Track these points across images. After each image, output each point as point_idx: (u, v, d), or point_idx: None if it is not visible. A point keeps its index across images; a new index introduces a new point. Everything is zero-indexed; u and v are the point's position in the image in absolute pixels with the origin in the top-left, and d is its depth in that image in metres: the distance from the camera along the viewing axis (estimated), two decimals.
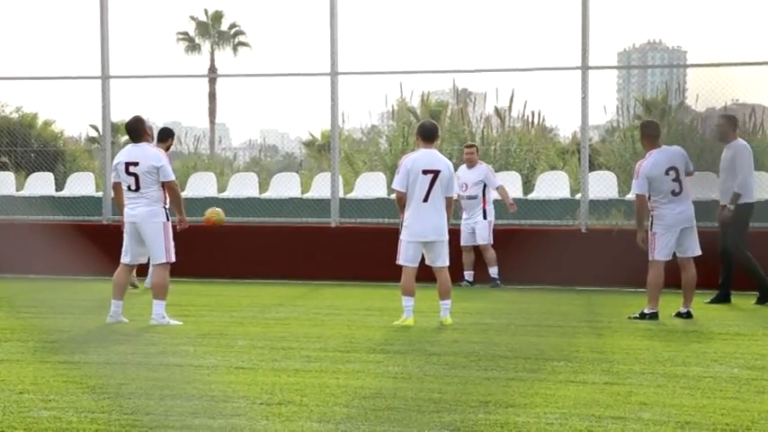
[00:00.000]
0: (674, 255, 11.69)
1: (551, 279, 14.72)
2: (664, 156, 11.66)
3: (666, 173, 11.55)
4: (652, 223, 11.64)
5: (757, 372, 8.13)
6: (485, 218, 15.20)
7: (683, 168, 11.65)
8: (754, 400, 6.96)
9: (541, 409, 6.58)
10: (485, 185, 15.30)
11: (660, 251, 11.57)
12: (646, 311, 11.58)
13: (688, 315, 11.64)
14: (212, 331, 10.34)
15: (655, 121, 12.48)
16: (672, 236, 11.58)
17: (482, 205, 15.24)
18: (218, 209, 12.91)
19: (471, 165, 15.45)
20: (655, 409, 6.61)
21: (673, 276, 11.73)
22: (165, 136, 13.76)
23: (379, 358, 8.61)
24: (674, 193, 11.57)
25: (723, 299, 13.07)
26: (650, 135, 11.83)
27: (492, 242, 15.14)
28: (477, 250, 15.25)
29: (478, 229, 15.15)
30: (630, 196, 18.63)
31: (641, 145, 12.05)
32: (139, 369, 8.04)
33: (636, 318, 11.53)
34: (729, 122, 13.15)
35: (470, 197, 15.19)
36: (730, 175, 12.83)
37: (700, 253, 11.71)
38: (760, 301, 13.04)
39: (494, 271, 15.11)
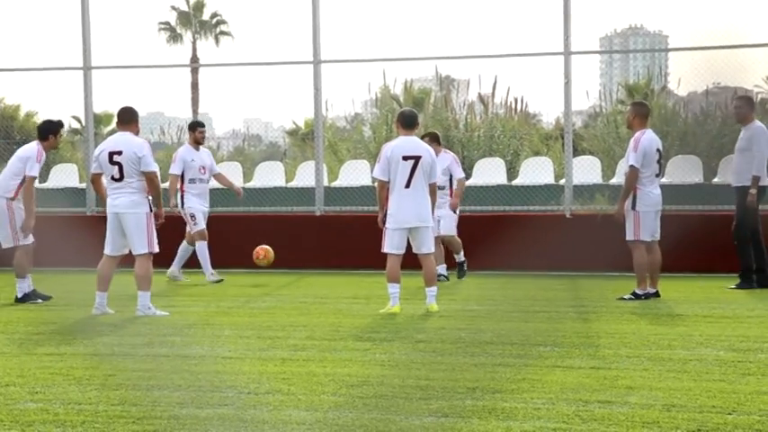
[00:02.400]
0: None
1: (536, 264, 14.74)
2: (654, 136, 11.95)
3: (655, 152, 11.73)
4: (635, 202, 11.70)
5: (742, 354, 8.16)
6: (454, 210, 14.31)
7: (661, 153, 11.87)
8: (740, 382, 6.99)
9: (528, 395, 6.60)
10: (451, 175, 14.33)
11: (645, 232, 11.67)
12: (639, 292, 11.66)
13: (657, 294, 11.85)
14: (198, 321, 10.33)
15: (646, 102, 12.66)
16: (653, 216, 11.71)
17: (449, 196, 14.26)
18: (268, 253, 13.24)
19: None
20: (641, 393, 6.63)
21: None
22: (46, 133, 12.33)
23: (365, 346, 8.62)
24: (656, 175, 11.76)
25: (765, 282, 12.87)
26: (644, 114, 12.02)
27: (456, 234, 14.35)
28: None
29: (444, 221, 14.08)
30: (615, 180, 18.69)
31: (630, 125, 11.99)
32: (126, 360, 8.04)
33: (629, 299, 11.61)
34: (748, 104, 13.15)
35: (439, 188, 14.18)
36: (747, 157, 12.77)
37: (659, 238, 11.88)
38: (741, 286, 12.92)
39: (459, 256, 14.50)
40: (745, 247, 12.91)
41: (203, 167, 14.51)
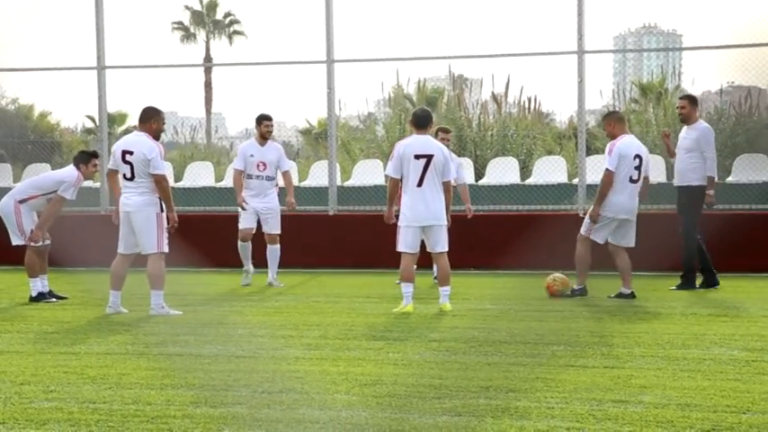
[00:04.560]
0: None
1: (550, 264, 14.69)
2: (635, 141, 12.12)
3: (634, 157, 11.79)
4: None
5: (757, 353, 8.14)
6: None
7: (645, 160, 11.98)
8: (755, 382, 6.98)
9: (542, 394, 6.59)
10: None
11: (595, 234, 11.93)
12: (575, 287, 12.01)
13: (632, 295, 11.97)
14: (212, 320, 10.35)
15: (617, 110, 12.84)
16: (614, 223, 11.90)
17: None
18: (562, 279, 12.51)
19: None
20: (655, 392, 6.62)
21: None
22: (78, 162, 12.36)
23: (379, 345, 8.62)
24: (631, 180, 11.83)
25: (712, 283, 12.86)
26: (622, 119, 12.24)
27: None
28: None
29: None
30: None
31: (612, 135, 12.02)
32: (140, 359, 8.05)
33: (575, 292, 11.94)
34: (692, 103, 13.08)
35: None
36: (692, 158, 12.69)
37: (633, 245, 12.01)
38: (683, 287, 12.81)
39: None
40: (691, 248, 12.78)
41: (263, 163, 13.77)
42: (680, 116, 13.10)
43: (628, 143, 11.90)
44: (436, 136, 12.27)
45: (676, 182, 12.92)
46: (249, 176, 13.83)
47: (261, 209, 13.92)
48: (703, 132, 12.76)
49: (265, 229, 13.98)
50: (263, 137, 13.93)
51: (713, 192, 12.70)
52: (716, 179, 12.78)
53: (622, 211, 11.87)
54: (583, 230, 12.00)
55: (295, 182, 20.98)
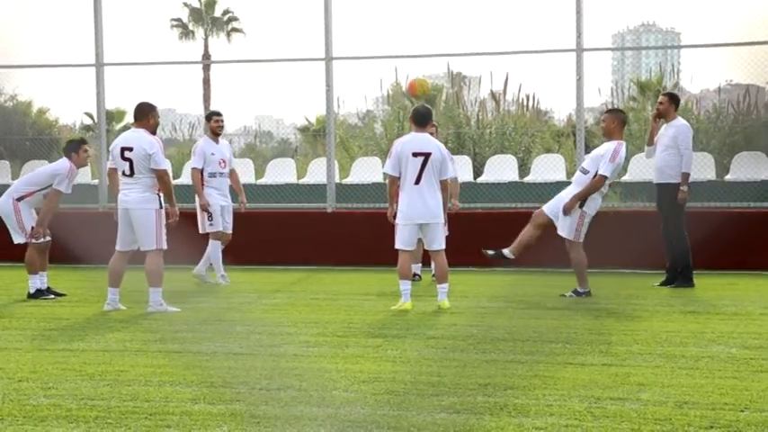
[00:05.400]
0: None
1: (548, 261, 14.70)
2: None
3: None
4: (584, 203, 11.77)
5: (755, 351, 8.15)
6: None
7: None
8: (752, 380, 6.98)
9: (540, 391, 6.59)
10: None
11: (584, 235, 11.85)
12: (580, 290, 11.80)
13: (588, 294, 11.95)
14: (210, 318, 10.35)
15: (623, 110, 12.74)
16: (591, 220, 11.92)
17: None
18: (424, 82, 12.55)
19: None
20: (653, 390, 6.63)
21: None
22: (69, 151, 12.36)
23: (377, 342, 8.62)
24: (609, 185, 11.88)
25: (672, 281, 12.85)
26: (623, 121, 12.22)
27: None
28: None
29: None
30: (626, 178, 18.69)
31: (609, 133, 11.87)
32: (138, 356, 8.05)
33: (570, 296, 11.77)
34: (671, 100, 13.05)
35: None
36: (671, 155, 12.67)
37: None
38: (667, 283, 12.81)
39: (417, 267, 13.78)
40: (684, 245, 12.75)
41: (223, 160, 13.74)
42: (657, 110, 13.04)
43: (624, 152, 11.84)
44: None
45: (656, 179, 12.90)
46: (212, 175, 13.70)
47: (225, 206, 13.86)
48: (681, 129, 12.76)
49: (218, 228, 13.78)
50: (215, 133, 13.84)
51: (687, 188, 12.67)
52: (690, 176, 12.75)
53: (598, 208, 11.91)
54: (572, 237, 11.81)
55: (293, 179, 21.10)
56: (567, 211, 11.76)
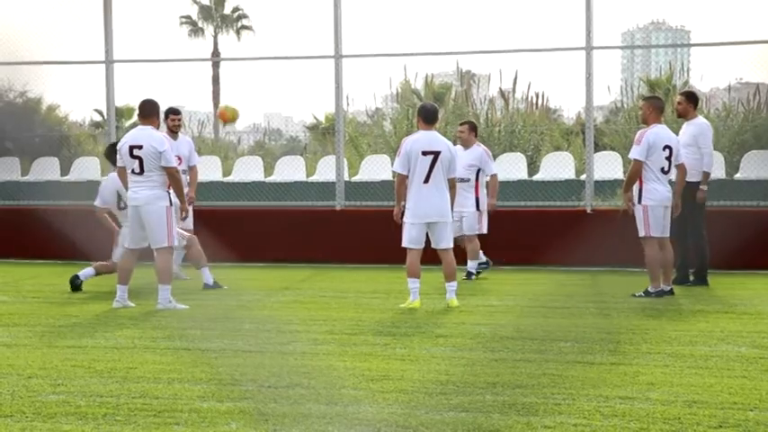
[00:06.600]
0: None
1: (557, 260, 14.71)
2: (665, 131, 11.84)
3: (663, 148, 11.65)
4: (641, 196, 11.66)
5: (764, 350, 8.13)
6: (477, 208, 13.63)
7: (676, 150, 11.76)
8: (762, 379, 6.96)
9: (549, 390, 6.58)
10: (479, 170, 13.63)
11: (655, 227, 11.63)
12: (650, 290, 11.62)
13: (671, 292, 11.79)
14: (219, 315, 10.36)
15: (660, 97, 12.56)
16: (661, 211, 11.66)
17: (474, 192, 13.62)
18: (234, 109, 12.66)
19: (466, 145, 13.68)
20: (662, 389, 6.61)
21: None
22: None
23: (385, 341, 8.62)
24: (662, 171, 11.68)
25: (683, 281, 12.79)
26: (659, 108, 11.98)
27: (482, 232, 13.72)
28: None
29: (466, 219, 13.57)
30: None
31: (645, 118, 11.91)
32: (147, 353, 8.06)
33: (640, 296, 11.57)
34: (690, 99, 13.01)
35: (461, 180, 13.06)
36: (690, 153, 12.55)
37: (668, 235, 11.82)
38: (678, 281, 12.67)
39: (471, 265, 13.80)
40: (703, 245, 12.73)
41: (178, 157, 12.70)
42: (676, 111, 13.06)
43: (657, 133, 11.67)
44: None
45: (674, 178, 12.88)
46: None
47: (176, 202, 13.66)
48: (701, 128, 12.73)
49: (181, 225, 13.63)
50: (172, 131, 13.67)
51: (706, 188, 12.65)
52: (711, 175, 12.73)
53: (665, 199, 11.69)
54: (641, 233, 11.66)
55: (303, 177, 21.10)
56: (628, 207, 11.71)
